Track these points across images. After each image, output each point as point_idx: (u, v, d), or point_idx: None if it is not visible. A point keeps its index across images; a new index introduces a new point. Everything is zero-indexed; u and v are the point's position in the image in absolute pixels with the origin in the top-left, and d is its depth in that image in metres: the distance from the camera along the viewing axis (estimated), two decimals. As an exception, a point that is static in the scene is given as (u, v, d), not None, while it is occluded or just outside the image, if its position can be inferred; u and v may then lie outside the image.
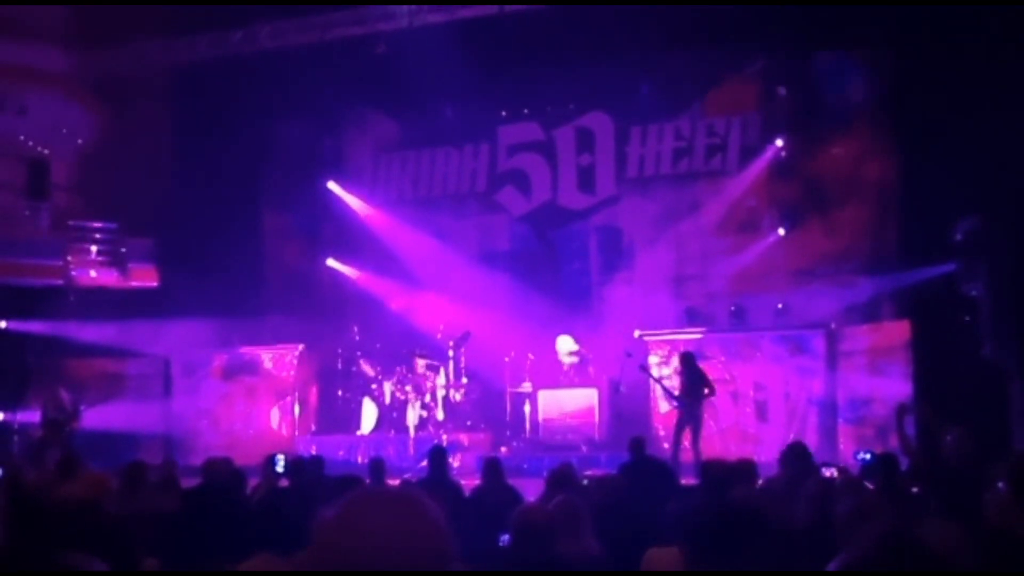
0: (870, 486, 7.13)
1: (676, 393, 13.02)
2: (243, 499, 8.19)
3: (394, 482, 9.33)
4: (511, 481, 8.36)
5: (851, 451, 12.83)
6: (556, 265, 17.38)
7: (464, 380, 15.80)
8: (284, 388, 16.56)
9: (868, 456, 8.67)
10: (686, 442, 12.90)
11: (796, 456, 6.88)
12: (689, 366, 13.11)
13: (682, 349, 13.84)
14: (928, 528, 3.93)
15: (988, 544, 4.45)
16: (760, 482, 6.85)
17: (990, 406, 10.38)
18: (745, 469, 6.37)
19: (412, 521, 1.69)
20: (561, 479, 7.20)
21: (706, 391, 12.95)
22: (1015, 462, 5.16)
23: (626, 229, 17.09)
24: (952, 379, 11.10)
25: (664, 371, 14.58)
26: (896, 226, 14.86)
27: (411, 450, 14.61)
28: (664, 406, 14.24)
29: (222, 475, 8.32)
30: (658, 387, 14.02)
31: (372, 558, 1.64)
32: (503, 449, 14.70)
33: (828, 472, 7.35)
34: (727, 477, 5.95)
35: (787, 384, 14.35)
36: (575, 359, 15.24)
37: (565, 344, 15.32)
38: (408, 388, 15.47)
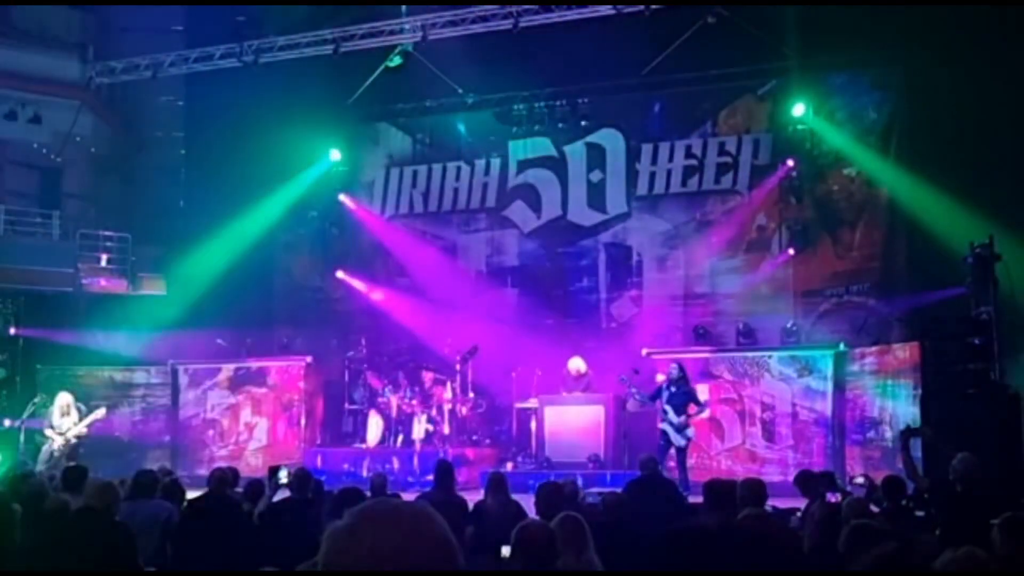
0: (876, 509, 7.10)
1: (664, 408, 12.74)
2: (246, 509, 8.18)
3: (405, 495, 9.30)
4: (515, 497, 8.33)
5: (859, 473, 12.75)
6: (565, 281, 17.37)
7: (471, 395, 15.77)
8: (291, 400, 16.55)
9: (862, 480, 8.61)
10: (671, 462, 12.79)
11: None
12: (685, 380, 12.95)
13: (677, 362, 13.62)
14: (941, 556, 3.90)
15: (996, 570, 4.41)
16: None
17: (1001, 430, 10.31)
18: (753, 489, 6.32)
19: (420, 534, 1.68)
20: (546, 499, 7.17)
21: (694, 408, 12.71)
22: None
23: (635, 246, 17.08)
24: (962, 403, 11.03)
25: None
26: (906, 248, 14.85)
27: (416, 464, 14.58)
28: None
29: (227, 485, 8.32)
30: (637, 396, 13.71)
31: (380, 570, 1.63)
32: (508, 465, 14.66)
33: (833, 497, 7.30)
34: (732, 497, 5.92)
35: (795, 404, 14.29)
36: (583, 379, 15.15)
37: (575, 364, 15.27)
38: (414, 402, 15.45)
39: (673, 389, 12.77)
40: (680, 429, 12.59)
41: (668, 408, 12.70)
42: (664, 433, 12.72)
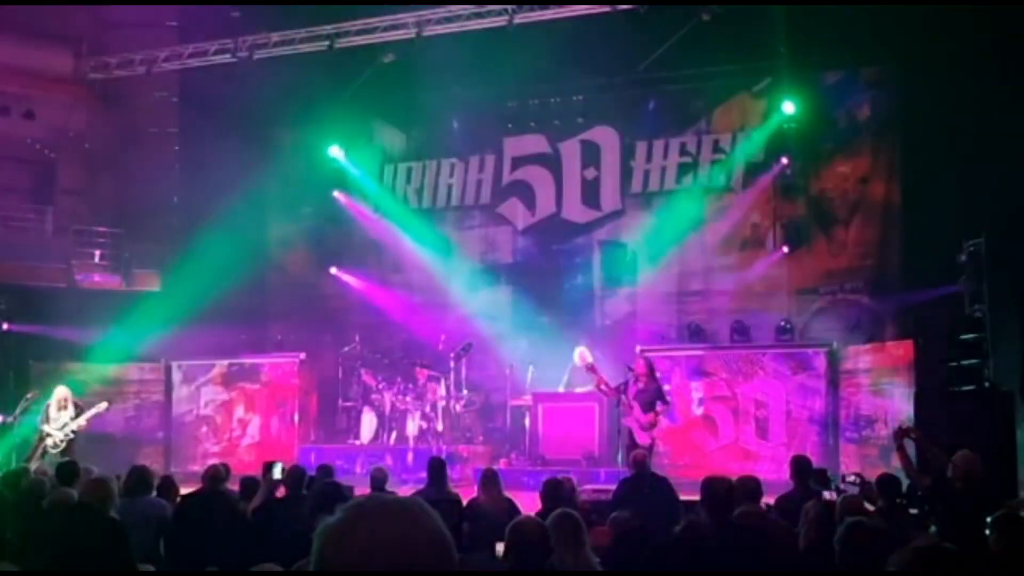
0: (870, 507, 7.11)
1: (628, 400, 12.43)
2: (240, 506, 8.17)
3: (399, 492, 9.29)
4: (509, 494, 8.34)
5: (851, 471, 12.76)
6: (559, 278, 17.34)
7: (465, 392, 15.76)
8: (284, 396, 16.53)
9: (854, 479, 8.61)
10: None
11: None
12: (653, 378, 12.62)
13: (645, 358, 13.20)
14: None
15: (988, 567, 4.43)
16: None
17: (994, 428, 10.34)
18: (748, 487, 6.32)
19: (414, 529, 1.68)
20: (555, 492, 7.21)
21: (660, 406, 12.36)
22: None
23: (629, 244, 17.07)
24: (955, 401, 11.06)
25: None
26: (900, 246, 14.87)
27: (410, 461, 14.57)
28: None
29: (220, 482, 8.31)
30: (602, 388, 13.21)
31: (374, 566, 1.63)
32: (502, 462, 14.65)
33: (828, 494, 7.32)
34: (729, 494, 5.92)
35: (788, 402, 14.30)
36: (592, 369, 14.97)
37: (582, 353, 15.14)
38: (408, 399, 15.45)
39: (641, 385, 12.28)
40: (646, 427, 12.13)
41: (634, 404, 12.21)
42: (629, 430, 12.23)
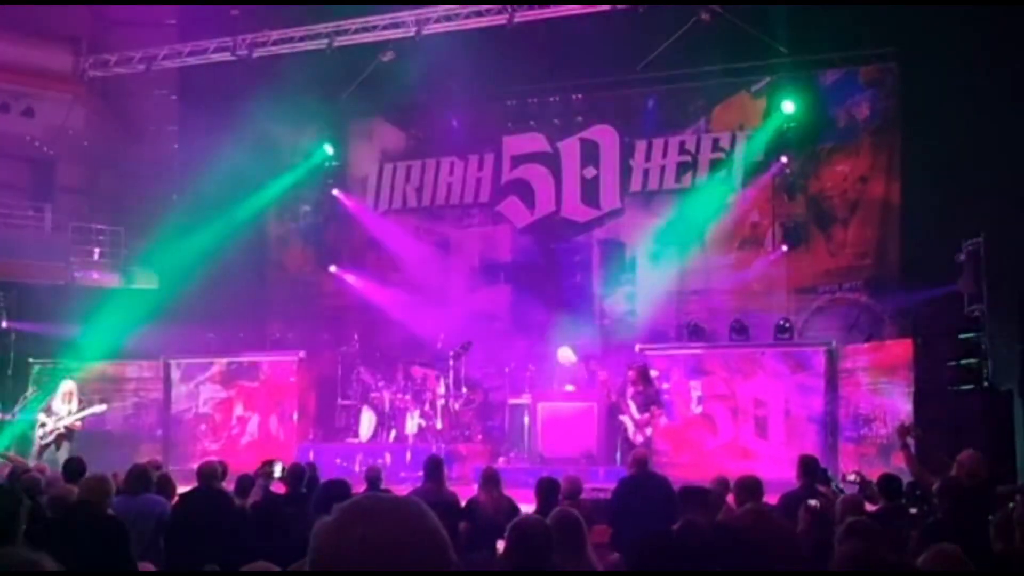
0: (871, 507, 7.11)
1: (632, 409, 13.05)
2: (237, 504, 8.16)
3: (397, 490, 9.29)
4: (508, 492, 8.34)
5: (852, 470, 12.77)
6: (558, 277, 17.33)
7: (464, 390, 15.75)
8: (283, 395, 16.52)
9: (854, 478, 8.60)
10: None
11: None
12: (649, 383, 13.22)
13: (639, 363, 13.86)
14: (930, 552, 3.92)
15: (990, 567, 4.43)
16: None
17: (993, 427, 10.35)
18: (749, 486, 6.32)
19: (409, 528, 1.67)
20: (549, 491, 7.22)
21: (655, 409, 13.02)
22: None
23: (629, 243, 17.07)
24: (954, 400, 11.07)
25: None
26: (899, 245, 14.88)
27: (408, 459, 14.56)
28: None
29: (216, 479, 8.30)
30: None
31: (369, 566, 1.62)
32: (501, 460, 14.65)
33: (824, 489, 7.31)
34: (705, 500, 5.98)
35: (787, 401, 14.30)
36: (574, 369, 15.17)
37: (565, 354, 15.27)
38: (407, 397, 15.44)
39: (640, 387, 13.10)
40: (640, 426, 12.90)
41: (632, 403, 13.07)
42: (624, 427, 13.05)
